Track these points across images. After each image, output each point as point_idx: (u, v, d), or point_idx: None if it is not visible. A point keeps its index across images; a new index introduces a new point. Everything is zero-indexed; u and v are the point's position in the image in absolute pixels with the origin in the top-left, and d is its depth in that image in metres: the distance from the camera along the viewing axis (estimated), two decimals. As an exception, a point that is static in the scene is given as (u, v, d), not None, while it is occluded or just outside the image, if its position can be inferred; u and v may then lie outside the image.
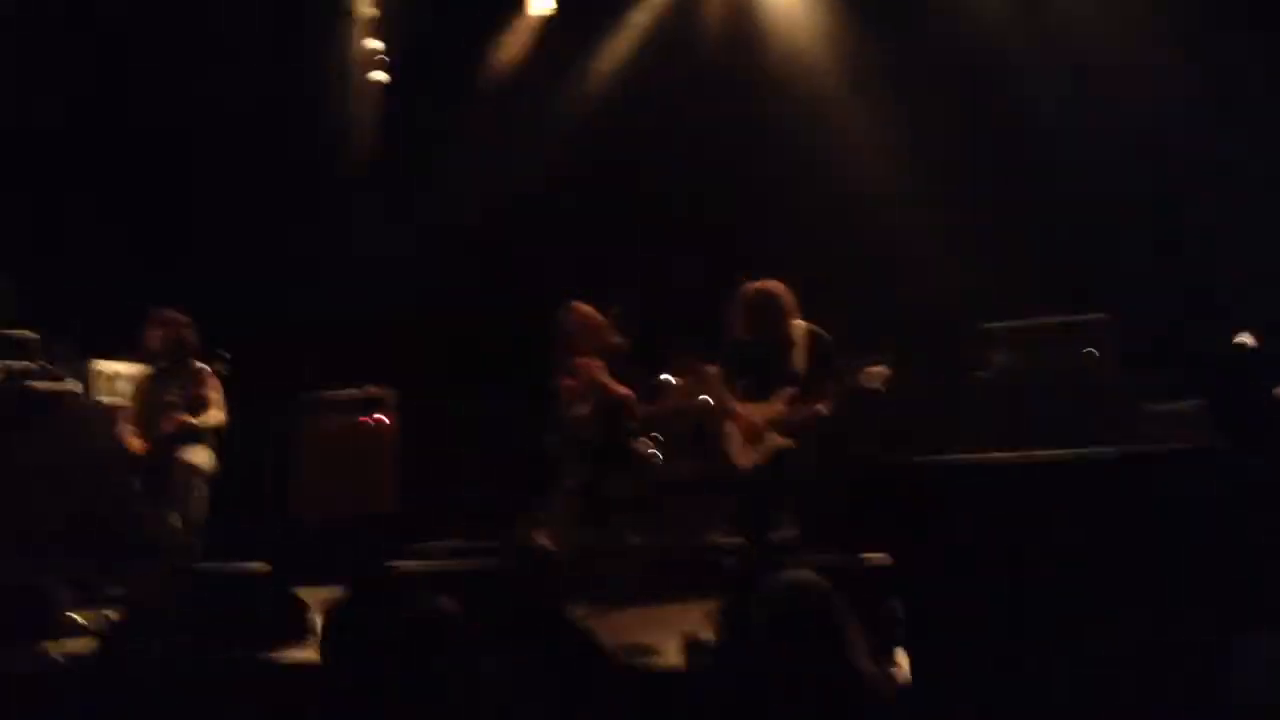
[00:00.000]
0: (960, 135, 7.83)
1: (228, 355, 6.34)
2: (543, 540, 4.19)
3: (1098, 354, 6.38)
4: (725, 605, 4.52)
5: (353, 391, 8.46)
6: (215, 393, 6.27)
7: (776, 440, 5.55)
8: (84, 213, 8.59)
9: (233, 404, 8.59)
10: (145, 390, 6.29)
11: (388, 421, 8.30)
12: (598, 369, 5.91)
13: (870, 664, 3.19)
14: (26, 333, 7.85)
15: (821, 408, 5.49)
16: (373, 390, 8.41)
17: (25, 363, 7.56)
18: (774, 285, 5.54)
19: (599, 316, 6.05)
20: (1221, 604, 3.26)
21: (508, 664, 3.48)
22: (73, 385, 7.56)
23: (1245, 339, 6.25)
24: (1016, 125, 7.83)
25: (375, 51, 9.81)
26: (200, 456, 6.05)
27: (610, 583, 5.80)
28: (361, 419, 8.36)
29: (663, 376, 7.60)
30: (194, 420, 6.08)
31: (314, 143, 9.42)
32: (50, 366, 7.67)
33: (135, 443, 6.09)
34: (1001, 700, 3.54)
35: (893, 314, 7.58)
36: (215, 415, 6.23)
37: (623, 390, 5.97)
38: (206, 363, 6.31)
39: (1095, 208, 7.09)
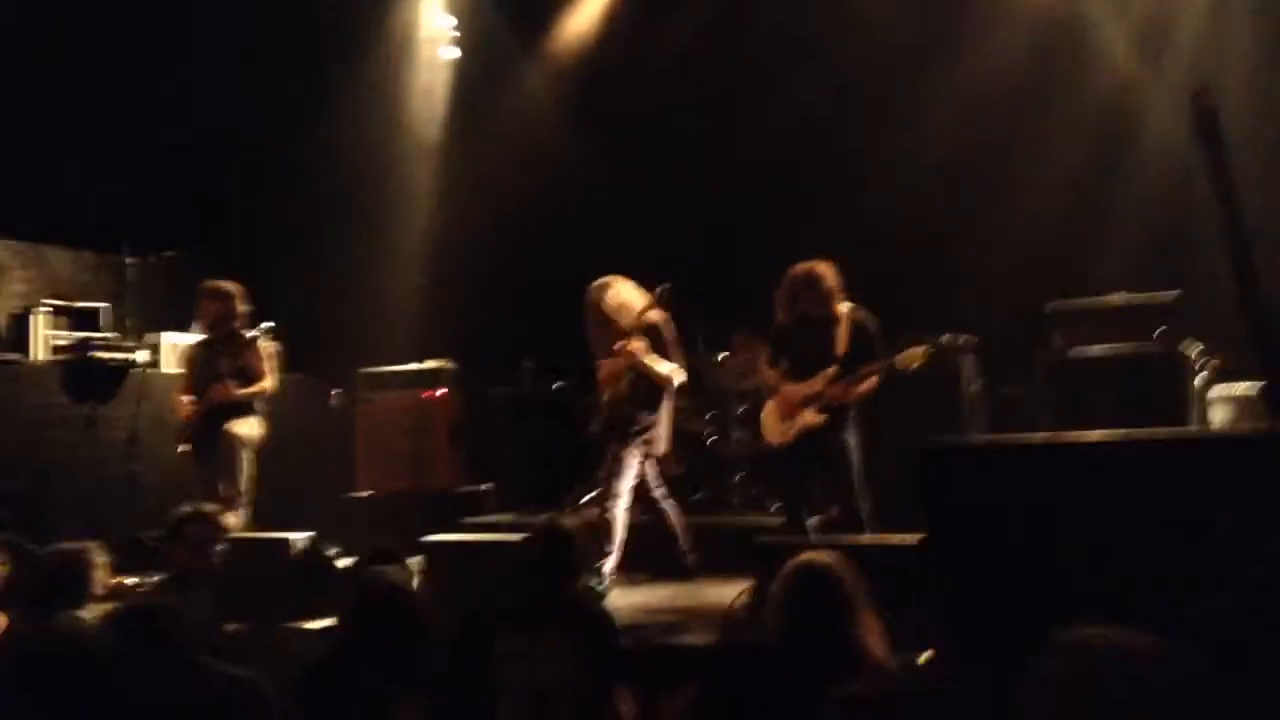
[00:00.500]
0: (1027, 106, 7.49)
1: (270, 325, 6.38)
2: (569, 520, 4.08)
3: (1168, 333, 6.08)
4: (757, 584, 4.46)
5: (413, 366, 8.49)
6: (266, 363, 6.31)
7: (811, 418, 5.48)
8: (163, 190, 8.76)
9: (294, 376, 9.03)
10: (196, 360, 6.37)
11: (446, 395, 8.31)
12: (638, 348, 5.68)
13: (879, 647, 3.06)
14: (96, 303, 8.11)
15: (861, 387, 5.42)
16: (432, 364, 8.43)
17: (94, 333, 7.81)
18: (820, 266, 5.48)
19: (637, 293, 5.83)
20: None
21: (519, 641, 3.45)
22: (140, 355, 7.76)
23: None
24: (1090, 93, 7.46)
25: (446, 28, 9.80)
26: (246, 427, 6.11)
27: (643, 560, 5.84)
28: (423, 393, 8.39)
29: (720, 355, 7.48)
30: (241, 391, 6.12)
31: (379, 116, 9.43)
32: (119, 337, 7.91)
33: (185, 411, 6.18)
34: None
35: (955, 296, 7.30)
36: (264, 385, 6.27)
37: (663, 370, 5.72)
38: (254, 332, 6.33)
39: (1170, 181, 6.70)
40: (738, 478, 7.01)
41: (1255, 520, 3.50)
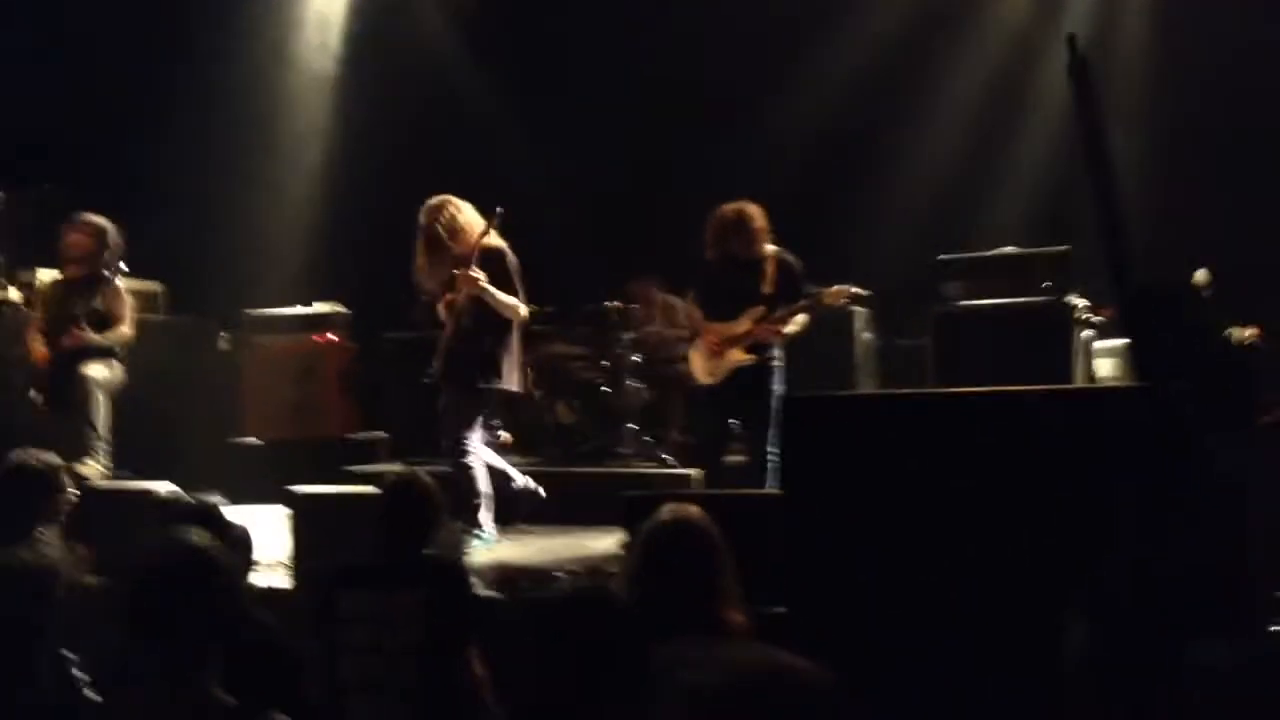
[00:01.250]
0: (921, 55, 7.43)
1: (123, 267, 6.07)
2: (424, 473, 3.87)
3: (1055, 286, 6.11)
4: (630, 534, 4.38)
5: (302, 309, 8.23)
6: (126, 308, 6.01)
7: (738, 356, 5.51)
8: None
9: (181, 318, 8.73)
10: (53, 299, 6.05)
11: (337, 340, 8.08)
12: (481, 277, 5.26)
13: (736, 610, 2.99)
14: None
15: (788, 327, 5.49)
16: (323, 308, 8.18)
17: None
18: (749, 207, 5.50)
19: (477, 216, 5.42)
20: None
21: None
22: (11, 295, 7.38)
23: (1200, 276, 6.00)
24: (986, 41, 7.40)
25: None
26: (104, 370, 5.82)
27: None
28: (313, 337, 8.15)
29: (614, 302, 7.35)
30: (99, 336, 5.82)
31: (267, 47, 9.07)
32: (-13, 275, 7.51)
33: (38, 351, 5.88)
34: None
35: (847, 248, 7.27)
36: (123, 332, 5.98)
37: (509, 301, 5.36)
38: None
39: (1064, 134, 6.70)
40: (630, 427, 6.91)
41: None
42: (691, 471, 6.15)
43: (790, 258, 5.59)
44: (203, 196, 8.82)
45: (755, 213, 5.48)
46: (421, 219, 5.46)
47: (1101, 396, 3.76)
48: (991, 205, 7.24)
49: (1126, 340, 5.80)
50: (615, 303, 7.15)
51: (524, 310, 5.50)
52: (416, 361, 8.14)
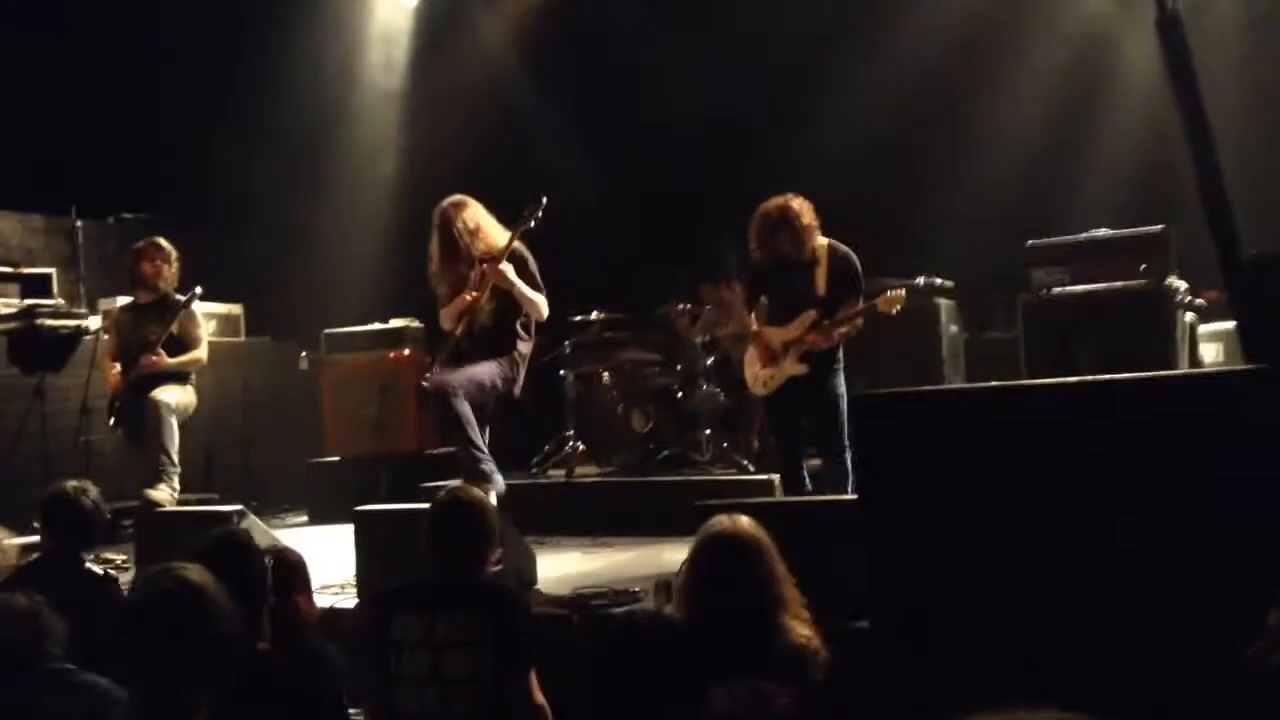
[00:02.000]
0: (1002, 38, 7.06)
1: (199, 290, 6.05)
2: (473, 489, 3.65)
3: (1154, 268, 5.72)
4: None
5: (378, 326, 8.20)
6: (200, 330, 6.01)
7: (794, 368, 5.19)
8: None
9: (261, 340, 8.77)
10: (124, 324, 6.07)
11: (413, 356, 8.02)
12: (509, 270, 5.08)
13: (798, 624, 2.77)
14: (43, 270, 7.82)
15: (842, 331, 5.12)
16: (398, 323, 8.14)
17: (41, 300, 7.52)
18: (794, 201, 5.12)
19: (494, 222, 5.29)
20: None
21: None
22: (92, 323, 7.49)
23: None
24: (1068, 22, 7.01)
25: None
26: (175, 395, 5.80)
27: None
28: (389, 354, 8.11)
29: (682, 305, 7.14)
30: (173, 360, 5.81)
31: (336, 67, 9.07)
32: (67, 304, 7.62)
33: (113, 381, 5.89)
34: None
35: (931, 239, 6.95)
36: (196, 355, 5.97)
37: (536, 298, 5.19)
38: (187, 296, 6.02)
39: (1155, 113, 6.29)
40: (707, 433, 6.69)
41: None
42: (773, 477, 5.90)
43: (845, 251, 5.22)
44: (278, 218, 8.86)
45: (801, 207, 5.10)
46: (438, 218, 5.33)
47: (1211, 381, 3.42)
48: (1083, 187, 6.84)
49: (1234, 320, 5.40)
50: (687, 305, 6.94)
51: (546, 309, 5.31)
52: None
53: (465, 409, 5.02)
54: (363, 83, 9.30)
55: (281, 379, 8.66)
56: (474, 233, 5.23)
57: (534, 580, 4.65)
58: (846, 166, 7.05)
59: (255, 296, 8.85)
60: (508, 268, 5.12)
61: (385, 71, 9.35)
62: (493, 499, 4.62)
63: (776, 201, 5.16)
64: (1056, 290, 5.97)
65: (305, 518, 7.98)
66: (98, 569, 3.65)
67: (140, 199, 8.72)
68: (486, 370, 5.16)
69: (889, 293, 5.17)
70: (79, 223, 8.16)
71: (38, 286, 7.74)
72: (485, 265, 5.13)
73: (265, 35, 8.57)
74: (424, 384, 5.40)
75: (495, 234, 5.26)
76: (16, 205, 8.19)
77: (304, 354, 8.57)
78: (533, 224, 5.16)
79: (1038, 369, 5.75)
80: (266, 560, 3.13)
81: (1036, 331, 5.94)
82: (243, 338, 8.86)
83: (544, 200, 5.13)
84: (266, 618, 2.87)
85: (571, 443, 6.94)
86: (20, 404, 6.99)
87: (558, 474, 6.95)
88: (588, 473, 6.97)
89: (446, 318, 5.36)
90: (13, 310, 7.38)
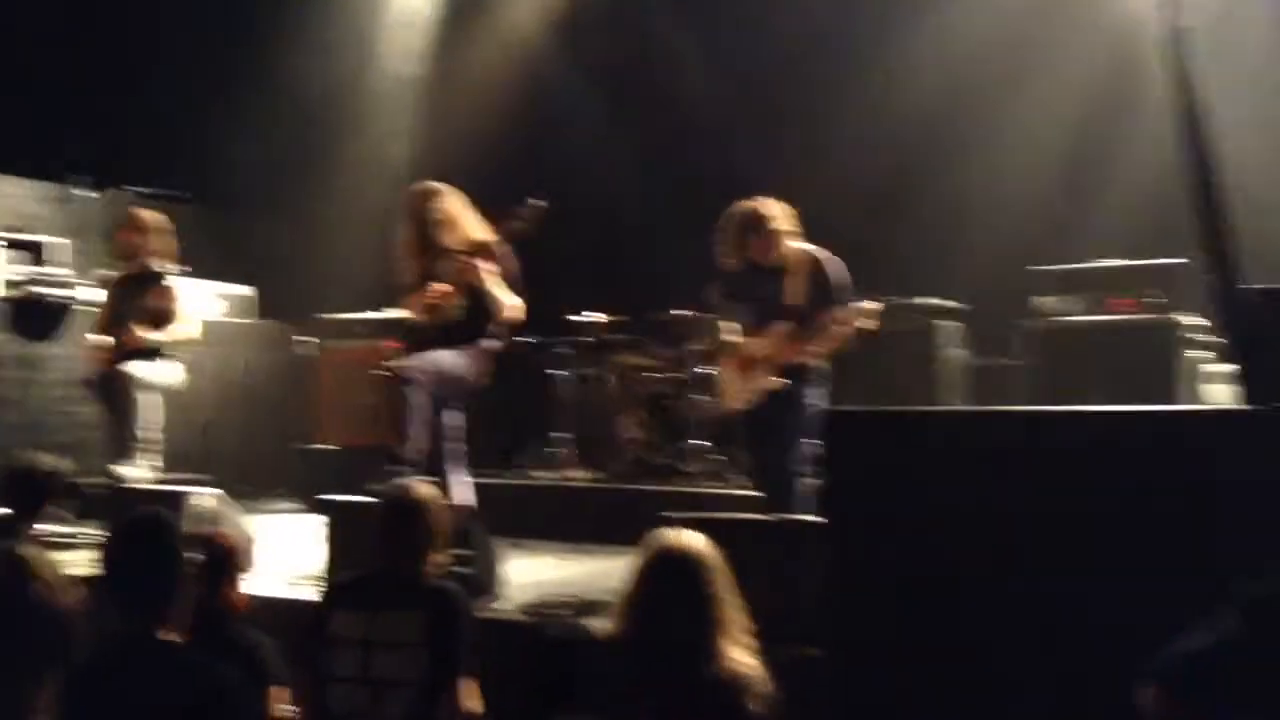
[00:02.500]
0: (1018, 54, 6.89)
1: (187, 268, 5.96)
2: (420, 487, 3.48)
3: (1162, 302, 5.58)
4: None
5: (377, 314, 8.12)
6: (176, 304, 5.89)
7: (766, 380, 4.88)
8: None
9: (261, 322, 8.73)
10: (113, 296, 5.99)
11: (408, 346, 7.93)
12: (485, 268, 4.87)
13: (736, 650, 2.65)
14: (57, 239, 7.79)
15: (816, 345, 4.79)
16: (396, 313, 8.04)
17: (42, 269, 7.49)
18: (766, 204, 4.84)
19: (470, 213, 5.08)
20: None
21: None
22: (81, 293, 7.42)
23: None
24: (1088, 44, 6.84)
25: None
26: (150, 370, 5.70)
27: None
28: (386, 343, 8.02)
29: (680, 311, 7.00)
30: (151, 335, 5.72)
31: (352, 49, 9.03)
32: (69, 274, 7.58)
33: (88, 351, 5.80)
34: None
35: (935, 258, 6.80)
36: (179, 330, 5.87)
37: (510, 300, 5.00)
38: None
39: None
40: (699, 444, 6.58)
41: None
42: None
43: (824, 258, 4.84)
44: (290, 201, 8.83)
45: (774, 210, 4.79)
46: (406, 205, 5.14)
47: (1201, 418, 3.29)
48: (1093, 214, 6.66)
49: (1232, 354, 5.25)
50: (688, 311, 6.81)
51: (516, 313, 5.11)
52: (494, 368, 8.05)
53: (421, 399, 4.85)
54: (378, 66, 9.23)
55: (284, 363, 8.62)
56: (444, 224, 5.03)
57: (498, 584, 4.55)
58: (859, 175, 6.92)
59: (269, 280, 8.81)
60: (486, 265, 4.97)
61: (402, 56, 9.28)
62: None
63: (747, 204, 4.89)
64: (1059, 318, 5.83)
65: (296, 504, 7.92)
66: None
67: (159, 175, 8.73)
68: (451, 361, 5.00)
69: (853, 304, 4.77)
70: (79, 192, 8.10)
71: (50, 256, 7.72)
72: (462, 260, 4.98)
73: (282, 15, 8.52)
74: (385, 369, 5.20)
75: (470, 226, 5.09)
76: (31, 173, 8.17)
77: (297, 338, 8.51)
78: (524, 225, 4.96)
79: (1038, 398, 5.62)
80: (200, 546, 3.04)
81: (1037, 359, 5.81)
82: (255, 319, 8.82)
83: (542, 204, 4.90)
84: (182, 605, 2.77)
85: (561, 445, 6.85)
86: (13, 371, 6.96)
87: (545, 475, 6.86)
88: (575, 477, 6.87)
89: (413, 305, 5.16)
90: (20, 278, 7.35)
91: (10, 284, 7.29)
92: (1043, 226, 6.72)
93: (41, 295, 7.20)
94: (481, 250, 4.96)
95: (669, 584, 2.68)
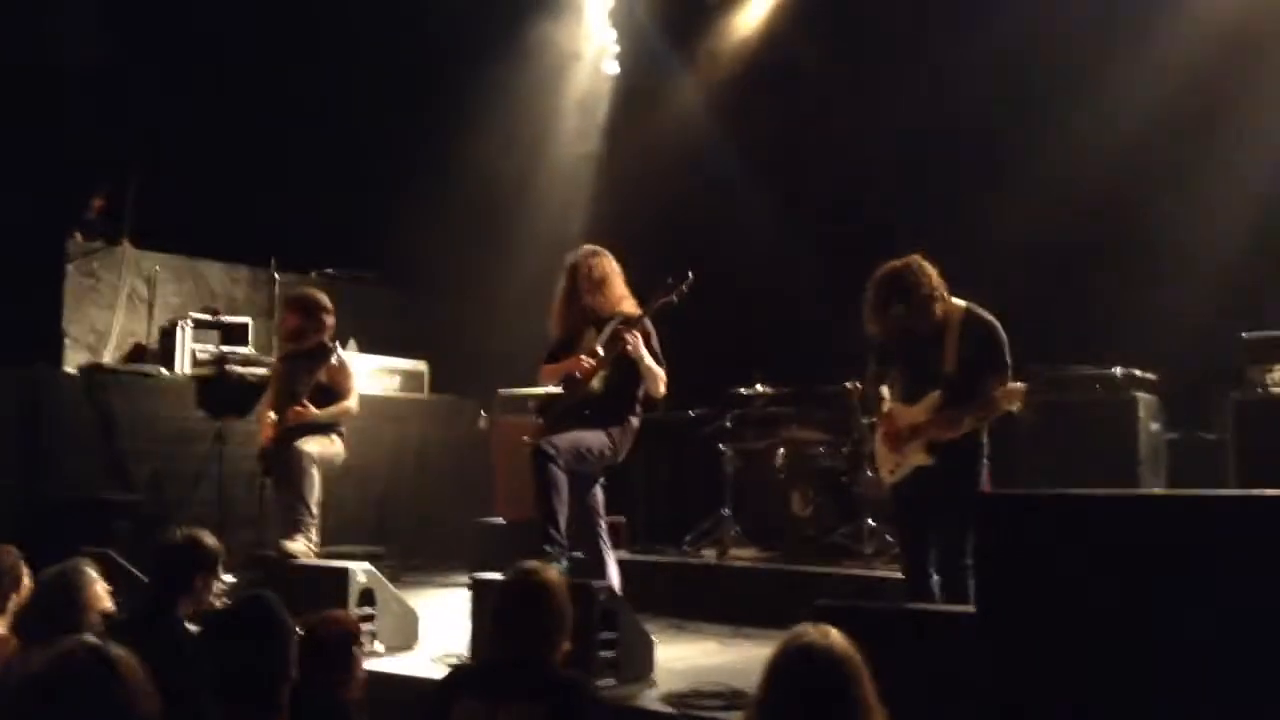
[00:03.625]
0: (1222, 103, 6.33)
1: (337, 344, 6.06)
2: (544, 569, 3.30)
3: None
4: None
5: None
6: (349, 380, 6.01)
7: (916, 456, 4.49)
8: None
9: (443, 397, 8.88)
10: (280, 374, 6.14)
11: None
12: (640, 338, 4.81)
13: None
14: (244, 318, 8.16)
15: (968, 419, 4.32)
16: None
17: (234, 348, 7.83)
18: (911, 263, 4.45)
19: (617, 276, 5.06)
20: None
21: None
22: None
23: None
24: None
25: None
26: (320, 445, 5.79)
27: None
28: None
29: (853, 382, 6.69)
30: (314, 411, 5.83)
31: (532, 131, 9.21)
32: (257, 353, 7.89)
33: (265, 429, 5.96)
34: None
35: (1134, 324, 6.28)
36: (345, 406, 5.97)
37: (659, 372, 4.89)
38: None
39: None
40: (871, 523, 6.22)
41: None
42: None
43: (983, 319, 4.42)
44: (465, 277, 9.01)
45: (919, 272, 4.39)
46: (568, 266, 5.13)
47: None
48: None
49: None
50: (857, 383, 6.50)
51: (664, 387, 4.97)
52: (659, 443, 7.92)
53: (560, 478, 4.78)
54: (555, 148, 9.41)
55: (460, 437, 8.73)
56: (596, 283, 5.00)
57: (648, 670, 4.34)
58: (1044, 231, 6.50)
59: (442, 355, 8.99)
60: (637, 335, 4.86)
61: (579, 137, 9.43)
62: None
63: (889, 266, 4.50)
64: (1273, 389, 5.26)
65: (468, 578, 7.92)
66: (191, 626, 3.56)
67: (338, 255, 9.08)
68: (593, 438, 4.91)
69: (1009, 385, 4.26)
70: (278, 275, 8.46)
71: (236, 335, 8.10)
72: (622, 329, 4.87)
73: (461, 100, 8.78)
74: (525, 441, 5.14)
75: (618, 292, 5.03)
76: (222, 256, 8.61)
77: (482, 413, 8.60)
78: (674, 299, 4.86)
79: (1248, 477, 5.05)
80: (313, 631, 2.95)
81: (1248, 434, 5.24)
82: (426, 394, 9.00)
83: (690, 276, 4.81)
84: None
85: (727, 522, 6.61)
86: (202, 447, 7.24)
87: (710, 554, 6.62)
88: (742, 555, 6.61)
89: (551, 375, 5.14)
90: (207, 356, 7.71)
91: (199, 362, 7.65)
92: (1242, 286, 6.12)
93: (228, 372, 7.49)
94: (633, 322, 4.86)
95: (798, 687, 2.42)
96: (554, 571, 3.11)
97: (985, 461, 4.47)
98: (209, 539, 3.75)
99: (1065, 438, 5.69)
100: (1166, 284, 6.25)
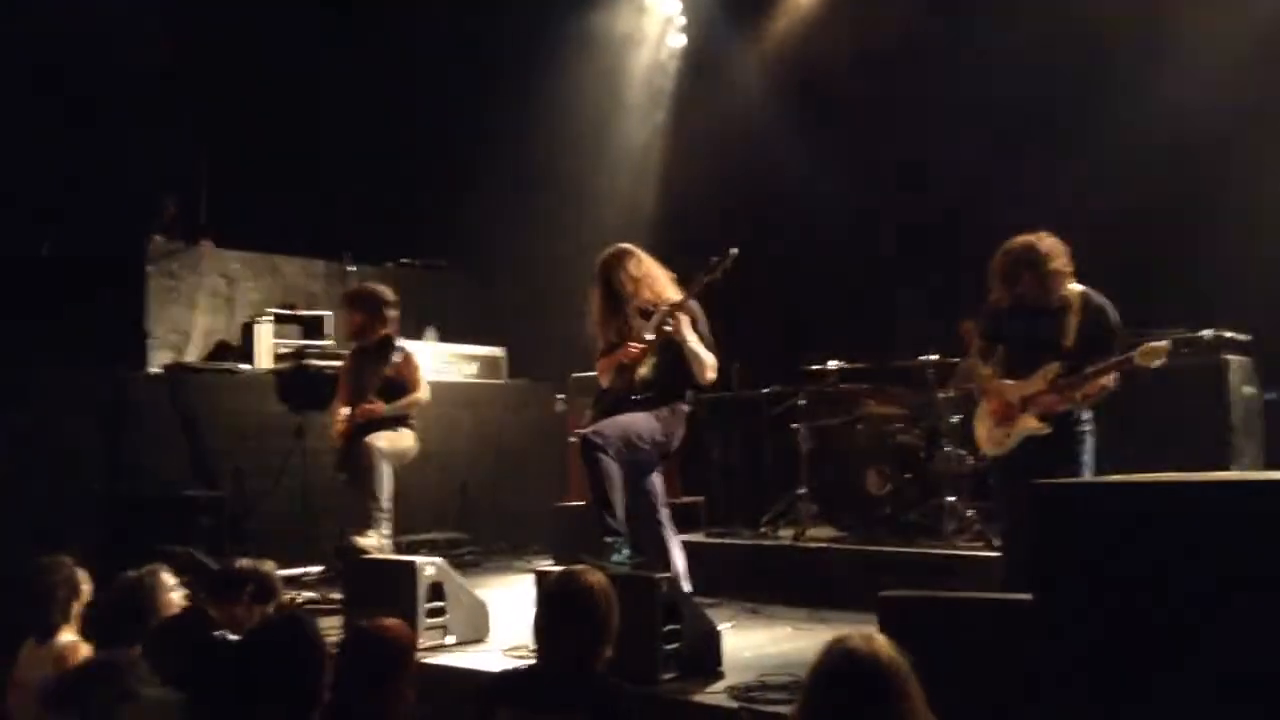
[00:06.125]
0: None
1: (400, 343, 6.05)
2: (590, 571, 3.22)
3: None
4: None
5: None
6: (415, 372, 6.02)
7: (1029, 424, 4.54)
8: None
9: (518, 382, 8.90)
10: (350, 369, 6.18)
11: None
12: (687, 323, 4.73)
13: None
14: (320, 312, 8.26)
15: (1085, 392, 4.42)
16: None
17: (312, 341, 7.92)
18: (1045, 240, 4.50)
19: (663, 272, 4.99)
20: None
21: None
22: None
23: None
24: None
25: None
26: (390, 440, 5.81)
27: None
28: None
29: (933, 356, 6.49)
30: (382, 405, 5.84)
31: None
32: (336, 345, 7.97)
33: (337, 425, 6.00)
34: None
35: (1225, 285, 5.98)
36: (414, 398, 5.97)
37: (708, 358, 4.78)
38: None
39: None
40: (951, 500, 6.04)
41: None
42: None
43: (1100, 302, 4.52)
44: (539, 262, 8.98)
45: (1051, 248, 4.47)
46: (599, 269, 5.08)
47: None
48: None
49: None
50: (935, 356, 6.30)
51: (714, 372, 4.88)
52: (734, 422, 7.81)
53: (612, 467, 4.70)
54: (623, 130, 9.33)
55: (537, 421, 8.74)
56: (639, 280, 4.96)
57: (715, 662, 4.25)
58: (1128, 192, 6.25)
59: (516, 339, 9.00)
60: (683, 317, 4.77)
61: (647, 112, 9.34)
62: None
63: (1023, 239, 4.56)
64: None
65: (551, 562, 7.94)
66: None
67: (412, 246, 9.15)
68: (643, 424, 4.82)
69: (1149, 344, 4.33)
70: (353, 268, 8.54)
71: (314, 328, 8.20)
72: (666, 312, 4.80)
73: (527, 88, 8.79)
74: (574, 436, 5.11)
75: (662, 283, 4.96)
76: (300, 251, 8.72)
77: (559, 396, 8.59)
78: (719, 276, 4.77)
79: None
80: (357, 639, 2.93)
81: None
82: (504, 380, 9.02)
83: (733, 252, 4.71)
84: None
85: (803, 502, 6.48)
86: (283, 440, 7.35)
87: (787, 535, 6.50)
88: (819, 535, 6.47)
89: (605, 369, 5.08)
90: (287, 350, 7.82)
91: (280, 356, 7.76)
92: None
93: (307, 365, 7.58)
94: (679, 307, 4.77)
95: (843, 692, 2.32)
96: (597, 575, 3.03)
97: (1090, 440, 4.54)
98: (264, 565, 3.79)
99: (1153, 407, 5.43)
100: (1263, 238, 5.97)
